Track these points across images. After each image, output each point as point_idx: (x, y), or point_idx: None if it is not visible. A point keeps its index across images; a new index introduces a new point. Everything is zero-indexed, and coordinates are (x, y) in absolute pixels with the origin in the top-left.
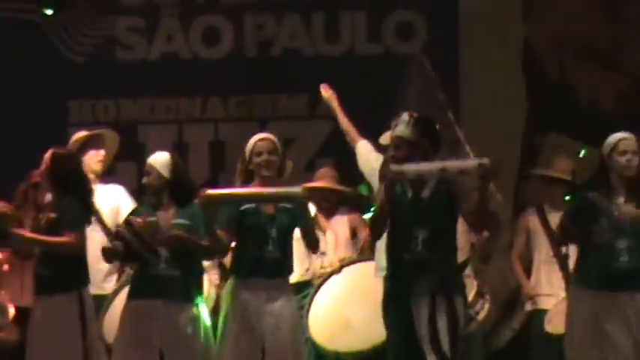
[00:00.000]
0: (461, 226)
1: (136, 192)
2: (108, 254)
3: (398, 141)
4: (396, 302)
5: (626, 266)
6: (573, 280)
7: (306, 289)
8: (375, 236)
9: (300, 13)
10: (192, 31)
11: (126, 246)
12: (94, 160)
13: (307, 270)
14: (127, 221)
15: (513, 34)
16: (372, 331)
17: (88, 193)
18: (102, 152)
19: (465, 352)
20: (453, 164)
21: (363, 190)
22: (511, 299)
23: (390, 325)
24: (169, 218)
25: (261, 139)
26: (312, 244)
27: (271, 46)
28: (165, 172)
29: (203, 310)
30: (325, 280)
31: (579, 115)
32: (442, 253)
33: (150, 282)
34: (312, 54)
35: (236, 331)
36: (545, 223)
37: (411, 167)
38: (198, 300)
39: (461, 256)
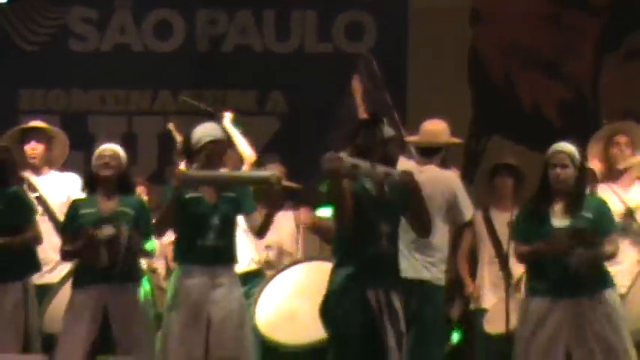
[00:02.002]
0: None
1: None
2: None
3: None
4: (355, 294)
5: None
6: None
7: (254, 279)
8: (344, 232)
9: (252, 9)
10: (144, 24)
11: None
12: (30, 151)
13: (252, 260)
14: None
15: (461, 39)
16: (315, 327)
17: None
18: (37, 146)
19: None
20: (395, 174)
21: (323, 188)
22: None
23: (345, 317)
24: (113, 206)
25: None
26: (262, 230)
27: (222, 41)
28: (123, 163)
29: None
30: (279, 272)
31: (522, 121)
32: (396, 248)
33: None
34: (262, 51)
35: (180, 319)
36: (489, 225)
37: (365, 166)
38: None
39: None
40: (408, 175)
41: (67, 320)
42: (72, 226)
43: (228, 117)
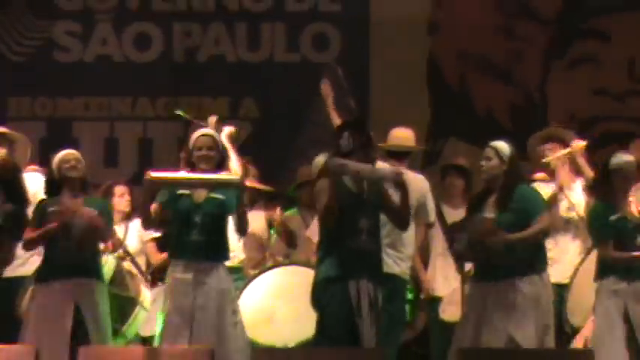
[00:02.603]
0: None
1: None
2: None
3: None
4: (336, 285)
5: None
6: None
7: (234, 274)
8: (327, 226)
9: (225, 22)
10: (124, 36)
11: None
12: None
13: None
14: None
15: (419, 48)
16: (292, 330)
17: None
18: (3, 150)
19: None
20: (379, 171)
21: (290, 192)
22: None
23: (327, 305)
24: (80, 204)
25: (202, 135)
26: (242, 230)
27: (197, 52)
28: (84, 166)
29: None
30: (259, 273)
31: (476, 123)
32: (378, 242)
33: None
34: (234, 60)
35: (168, 310)
36: (441, 219)
37: (352, 165)
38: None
39: None
40: (399, 174)
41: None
42: (39, 221)
43: (226, 131)
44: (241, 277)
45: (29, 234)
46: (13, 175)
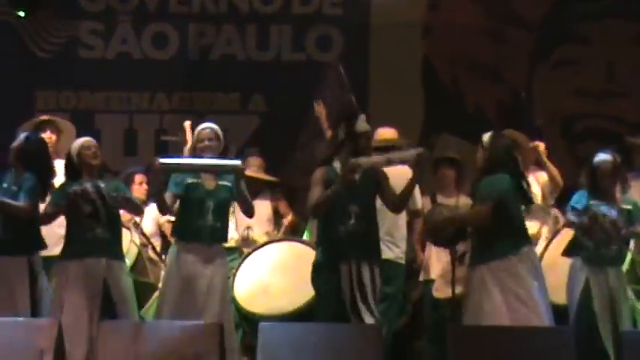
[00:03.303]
0: None
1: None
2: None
3: (370, 135)
4: (329, 268)
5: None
6: None
7: (231, 254)
8: (317, 214)
9: (236, 24)
10: (143, 35)
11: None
12: (46, 140)
13: (231, 238)
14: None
15: (415, 50)
16: (286, 299)
17: (48, 174)
18: (52, 136)
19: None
20: (396, 155)
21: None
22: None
23: (321, 288)
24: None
25: (204, 128)
26: (249, 211)
27: (210, 51)
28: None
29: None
30: (255, 250)
31: (467, 120)
32: (369, 226)
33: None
34: (245, 59)
35: (176, 288)
36: None
37: (365, 159)
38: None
39: None
40: (420, 153)
41: (69, 289)
42: (57, 201)
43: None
44: (236, 257)
45: (48, 210)
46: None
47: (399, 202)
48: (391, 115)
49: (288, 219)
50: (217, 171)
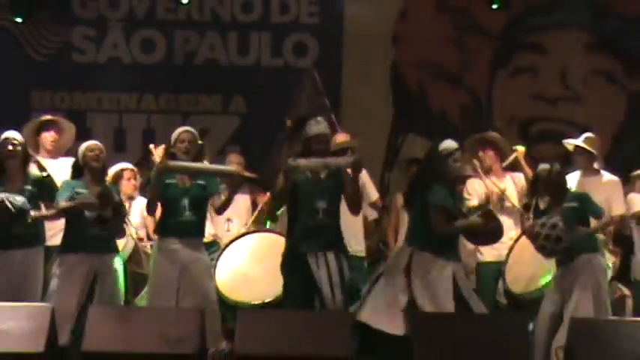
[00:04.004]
0: None
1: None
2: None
3: (323, 137)
4: (298, 259)
5: None
6: None
7: (212, 247)
8: (274, 208)
9: (219, 31)
10: (132, 41)
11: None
12: (48, 140)
13: (209, 233)
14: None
15: (384, 57)
16: (265, 287)
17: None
18: (55, 135)
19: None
20: (332, 160)
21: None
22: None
23: (290, 277)
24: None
25: (184, 131)
26: (220, 209)
27: (195, 56)
28: (105, 156)
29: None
30: (233, 241)
31: (432, 122)
32: (335, 220)
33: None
34: (226, 64)
35: (159, 277)
36: None
37: (304, 162)
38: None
39: None
40: (355, 160)
41: (62, 278)
42: (67, 196)
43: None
44: (215, 249)
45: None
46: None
47: (351, 204)
48: (362, 118)
49: (263, 200)
50: (217, 175)
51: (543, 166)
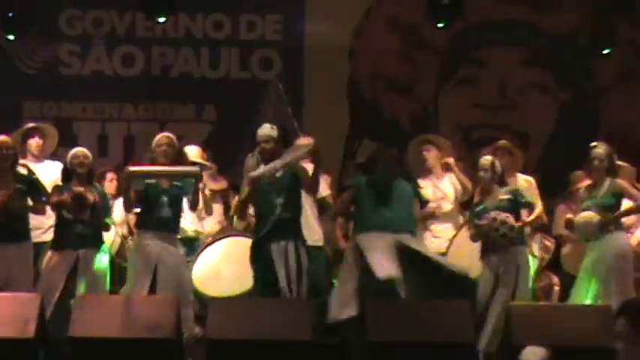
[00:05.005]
0: None
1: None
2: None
3: (268, 137)
4: (262, 249)
5: None
6: None
7: (194, 241)
8: (242, 214)
9: (192, 47)
10: (114, 55)
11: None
12: (33, 146)
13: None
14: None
15: (342, 70)
16: (234, 284)
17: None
18: (40, 141)
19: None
20: (291, 156)
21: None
22: None
23: (257, 266)
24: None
25: (163, 136)
26: (193, 207)
27: (170, 69)
28: (92, 162)
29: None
30: (212, 242)
31: (385, 128)
32: (293, 213)
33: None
34: (199, 76)
35: (137, 268)
36: None
37: (265, 170)
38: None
39: None
40: (308, 145)
41: (49, 270)
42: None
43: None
44: (199, 244)
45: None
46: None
47: (310, 186)
48: (322, 125)
49: (233, 202)
50: (179, 177)
51: (487, 158)
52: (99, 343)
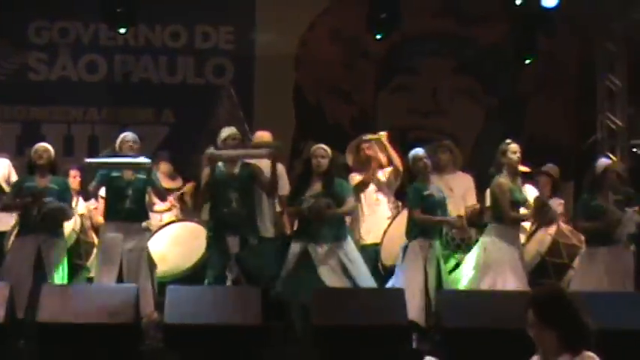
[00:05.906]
0: None
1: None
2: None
3: (235, 135)
4: (219, 240)
5: None
6: None
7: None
8: (202, 202)
9: (151, 55)
10: (79, 63)
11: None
12: None
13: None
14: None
15: (289, 77)
16: (178, 265)
17: None
18: None
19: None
20: (251, 151)
21: None
22: None
23: (213, 255)
24: (46, 183)
25: (128, 135)
26: (162, 198)
27: (131, 75)
28: (52, 155)
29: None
30: (159, 228)
31: (328, 131)
32: (247, 208)
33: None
34: (158, 82)
35: (102, 257)
36: None
37: (224, 152)
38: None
39: None
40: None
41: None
42: (17, 192)
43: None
44: None
45: (7, 201)
46: None
47: (269, 187)
48: (270, 127)
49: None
50: (132, 168)
51: (418, 152)
52: (65, 327)
